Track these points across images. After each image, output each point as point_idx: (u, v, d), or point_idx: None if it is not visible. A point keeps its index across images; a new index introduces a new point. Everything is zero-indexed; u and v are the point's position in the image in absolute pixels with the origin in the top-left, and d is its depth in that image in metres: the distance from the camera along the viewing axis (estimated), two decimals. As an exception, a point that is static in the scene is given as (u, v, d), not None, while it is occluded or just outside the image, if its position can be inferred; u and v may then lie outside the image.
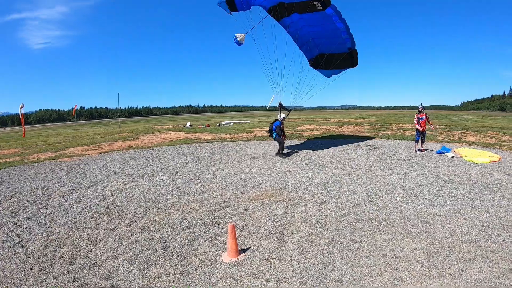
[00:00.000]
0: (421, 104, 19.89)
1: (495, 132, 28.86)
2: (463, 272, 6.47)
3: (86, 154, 21.08)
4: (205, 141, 27.54)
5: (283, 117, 19.16)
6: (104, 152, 22.19)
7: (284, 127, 19.63)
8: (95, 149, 23.36)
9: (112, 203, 11.07)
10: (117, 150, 22.74)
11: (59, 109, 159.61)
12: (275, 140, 19.53)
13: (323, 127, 39.37)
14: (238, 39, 17.80)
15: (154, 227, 8.98)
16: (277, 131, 18.96)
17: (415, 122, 19.58)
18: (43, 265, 6.96)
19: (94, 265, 6.96)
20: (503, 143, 22.39)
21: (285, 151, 20.06)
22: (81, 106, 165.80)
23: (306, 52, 19.91)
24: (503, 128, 33.00)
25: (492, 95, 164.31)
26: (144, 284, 6.25)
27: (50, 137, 35.69)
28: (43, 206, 10.72)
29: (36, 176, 15.07)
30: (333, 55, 19.28)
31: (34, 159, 19.44)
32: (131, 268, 6.83)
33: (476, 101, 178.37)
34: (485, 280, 6.16)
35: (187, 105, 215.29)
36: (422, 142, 19.83)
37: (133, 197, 11.75)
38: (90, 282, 6.28)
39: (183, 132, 34.93)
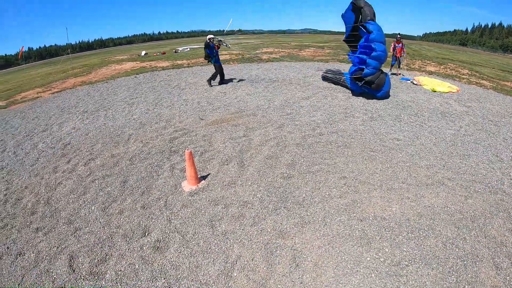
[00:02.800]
0: (399, 33, 20.76)
1: (455, 65, 28.53)
2: (421, 196, 6.74)
3: (38, 97, 20.15)
4: (161, 68, 26.54)
5: (212, 37, 17.05)
6: (57, 91, 21.25)
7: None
8: (47, 90, 22.32)
9: (68, 144, 10.80)
10: (70, 88, 21.79)
11: (5, 54, 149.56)
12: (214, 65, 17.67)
13: (282, 50, 38.31)
14: None
15: (112, 163, 8.90)
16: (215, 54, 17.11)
17: (391, 50, 20.28)
18: (5, 220, 6.83)
19: (55, 211, 6.91)
20: (462, 76, 22.25)
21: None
22: (29, 48, 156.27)
23: None
24: (463, 62, 32.65)
25: (454, 30, 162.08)
26: (106, 222, 6.30)
27: (-1, 85, 33.96)
28: (-2, 159, 10.37)
29: (-12, 128, 14.42)
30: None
31: (-16, 111, 18.53)
32: (92, 208, 6.83)
33: (438, 33, 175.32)
34: (442, 205, 6.44)
35: (142, 34, 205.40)
36: (398, 67, 21.21)
37: (89, 134, 11.47)
38: (53, 229, 6.28)
39: (138, 62, 33.52)
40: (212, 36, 17.22)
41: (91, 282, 4.91)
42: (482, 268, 4.88)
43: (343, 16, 14.88)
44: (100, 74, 27.37)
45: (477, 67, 29.21)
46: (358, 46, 14.29)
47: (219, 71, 17.75)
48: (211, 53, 16.94)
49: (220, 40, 17.69)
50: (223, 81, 18.21)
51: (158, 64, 29.98)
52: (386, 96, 14.44)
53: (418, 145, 9.35)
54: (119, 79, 23.23)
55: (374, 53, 13.37)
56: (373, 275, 4.76)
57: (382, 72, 14.05)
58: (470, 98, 15.14)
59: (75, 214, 6.70)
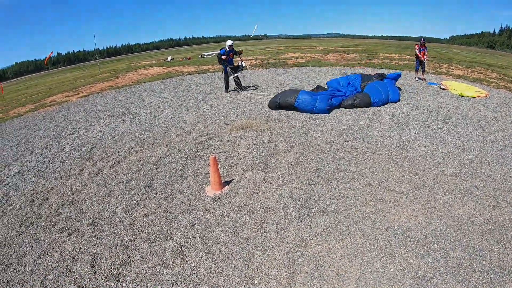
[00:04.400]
0: (423, 37, 20.37)
1: (483, 68, 27.56)
2: (448, 205, 6.51)
3: (66, 101, 20.62)
4: (187, 73, 26.81)
5: (230, 45, 17.10)
6: (85, 95, 21.71)
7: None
8: (75, 94, 22.84)
9: (95, 147, 11.03)
10: (98, 92, 22.24)
11: (35, 59, 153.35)
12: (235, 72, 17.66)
13: (308, 55, 37.91)
14: None
15: (137, 166, 9.01)
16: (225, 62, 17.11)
17: (417, 52, 20.11)
18: (31, 220, 7.02)
19: (80, 212, 7.04)
20: (491, 80, 21.46)
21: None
22: (58, 53, 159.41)
23: None
24: (491, 65, 31.46)
25: (482, 32, 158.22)
26: (129, 225, 6.35)
27: (29, 89, 34.64)
28: (27, 160, 10.62)
29: (18, 131, 14.77)
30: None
31: (14, 114, 18.89)
32: (116, 210, 6.93)
33: (465, 36, 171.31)
34: (469, 215, 6.20)
35: (168, 39, 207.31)
36: (423, 71, 20.49)
37: (115, 138, 11.69)
38: (77, 230, 6.39)
39: (164, 67, 33.94)
40: (230, 43, 17.26)
41: (112, 284, 4.94)
42: (510, 283, 4.66)
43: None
44: (127, 79, 27.84)
45: (505, 70, 28.27)
46: None
47: (225, 78, 17.84)
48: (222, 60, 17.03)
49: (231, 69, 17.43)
50: (226, 88, 18.24)
51: (184, 69, 30.31)
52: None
53: (445, 152, 9.08)
54: (145, 84, 23.61)
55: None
56: (396, 287, 4.63)
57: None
58: (499, 103, 14.68)
59: (99, 216, 6.81)
